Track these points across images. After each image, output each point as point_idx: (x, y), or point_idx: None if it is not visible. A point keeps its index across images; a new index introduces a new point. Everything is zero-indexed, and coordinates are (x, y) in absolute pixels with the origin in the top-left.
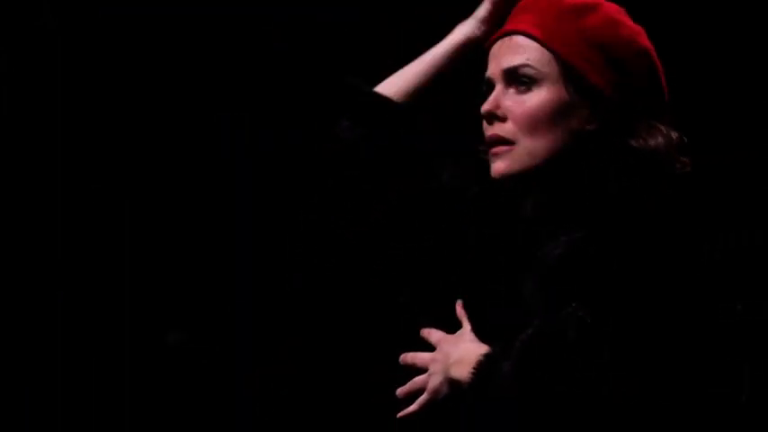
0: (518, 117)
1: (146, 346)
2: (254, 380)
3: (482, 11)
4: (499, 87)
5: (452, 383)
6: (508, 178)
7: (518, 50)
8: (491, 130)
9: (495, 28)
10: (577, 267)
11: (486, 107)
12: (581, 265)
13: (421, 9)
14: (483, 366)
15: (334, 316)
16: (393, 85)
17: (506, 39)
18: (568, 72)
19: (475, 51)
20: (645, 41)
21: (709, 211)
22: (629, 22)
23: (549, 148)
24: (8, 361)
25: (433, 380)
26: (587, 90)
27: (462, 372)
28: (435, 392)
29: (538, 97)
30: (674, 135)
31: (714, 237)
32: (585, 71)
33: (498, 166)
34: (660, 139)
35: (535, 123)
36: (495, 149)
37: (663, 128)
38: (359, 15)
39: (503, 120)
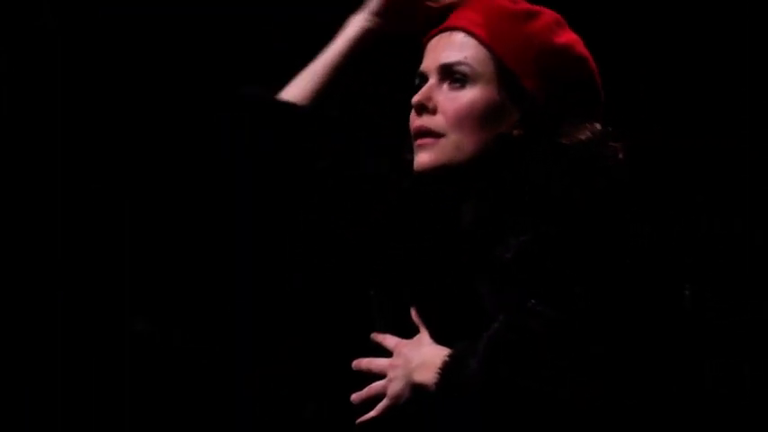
0: (449, 112)
1: (145, 346)
2: (254, 380)
3: (375, 3)
4: (432, 81)
5: (416, 388)
6: (431, 171)
7: (457, 47)
8: (419, 121)
9: (389, 21)
10: (531, 267)
11: (417, 98)
12: (534, 264)
13: None
14: (449, 366)
15: (334, 316)
16: (296, 88)
17: (446, 34)
18: (504, 74)
19: (373, 44)
20: (582, 50)
21: (646, 197)
22: (568, 31)
23: (475, 147)
24: (8, 361)
25: (393, 385)
26: (520, 94)
27: (427, 375)
28: (396, 398)
29: (471, 95)
30: (599, 127)
31: (654, 221)
32: (521, 75)
33: (422, 158)
34: (588, 134)
35: (465, 120)
36: (421, 141)
37: (590, 124)
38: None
39: (432, 112)
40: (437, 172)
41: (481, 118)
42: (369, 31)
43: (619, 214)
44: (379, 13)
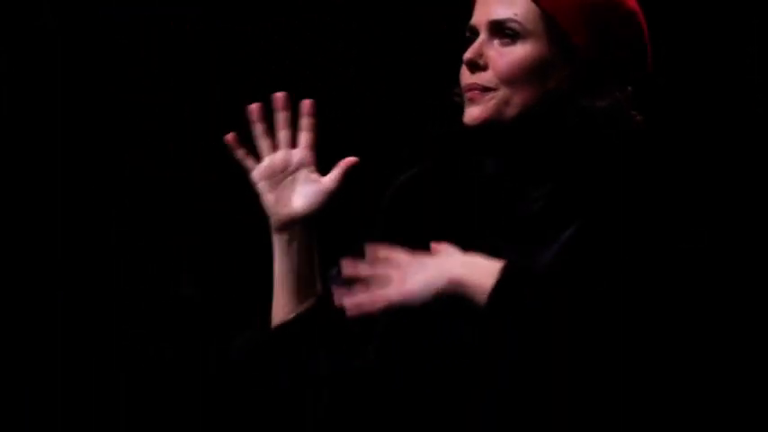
0: (500, 68)
1: (145, 346)
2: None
3: (276, 222)
4: (483, 37)
5: (457, 285)
6: (481, 124)
7: (507, 3)
8: (471, 78)
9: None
10: (561, 216)
11: (468, 55)
12: (564, 213)
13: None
14: (513, 269)
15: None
16: (279, 308)
17: None
18: (553, 31)
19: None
20: (633, 5)
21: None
22: None
23: (524, 102)
24: (8, 361)
25: (411, 281)
26: (570, 51)
27: (481, 272)
28: (408, 296)
29: (522, 51)
30: (629, 90)
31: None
32: (570, 32)
33: (473, 111)
34: (616, 97)
35: (516, 76)
36: (471, 94)
37: (622, 90)
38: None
39: (483, 68)
40: (486, 125)
41: (531, 74)
42: (292, 240)
43: (642, 176)
44: (285, 225)
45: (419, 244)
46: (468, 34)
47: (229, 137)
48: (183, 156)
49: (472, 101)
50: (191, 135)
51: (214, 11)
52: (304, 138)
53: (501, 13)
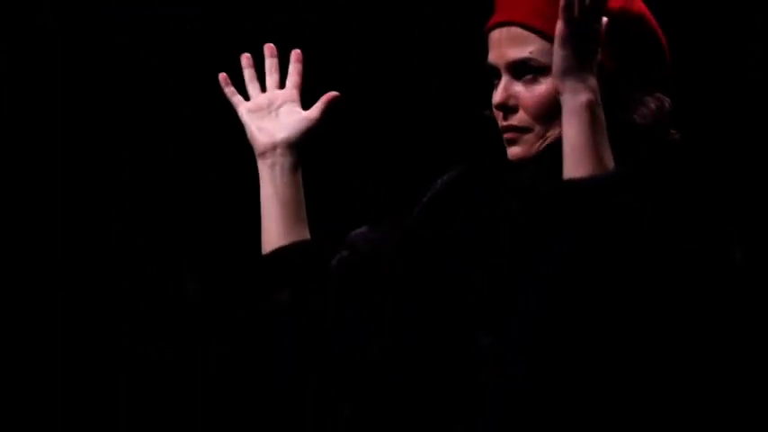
0: (529, 107)
1: (145, 346)
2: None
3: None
4: (506, 78)
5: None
6: (523, 160)
7: (520, 42)
8: (505, 120)
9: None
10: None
11: (498, 99)
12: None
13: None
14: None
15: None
16: (271, 234)
17: (505, 29)
18: None
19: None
20: (639, 8)
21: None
22: None
23: (559, 132)
24: (8, 361)
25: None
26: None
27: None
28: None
29: (545, 87)
30: (666, 104)
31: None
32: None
33: (515, 151)
34: (653, 109)
35: (545, 112)
36: (509, 135)
37: (656, 99)
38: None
39: (515, 110)
40: (530, 162)
41: (560, 106)
42: (274, 164)
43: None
44: (266, 148)
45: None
46: (487, 71)
47: (222, 76)
48: (183, 156)
49: (512, 141)
50: (190, 135)
51: (214, 11)
52: (290, 80)
53: (517, 54)
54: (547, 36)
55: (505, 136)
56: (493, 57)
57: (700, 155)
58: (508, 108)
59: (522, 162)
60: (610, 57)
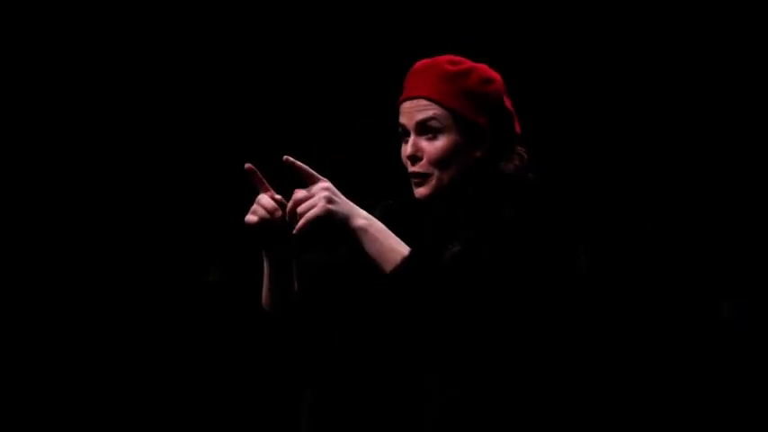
0: (431, 157)
1: (145, 346)
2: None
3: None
4: (413, 135)
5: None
6: (427, 199)
7: (424, 109)
8: (413, 167)
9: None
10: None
11: (408, 152)
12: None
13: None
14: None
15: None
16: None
17: (414, 101)
18: (459, 120)
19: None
20: (502, 87)
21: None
22: (493, 74)
23: (452, 176)
24: (8, 361)
25: (335, 205)
26: (474, 130)
27: (359, 222)
28: (330, 213)
29: (443, 142)
30: (524, 153)
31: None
32: (470, 117)
33: (420, 191)
34: (518, 161)
35: (443, 160)
36: (416, 179)
37: (519, 150)
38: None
39: (420, 159)
40: (431, 198)
41: (453, 155)
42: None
43: (536, 215)
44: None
45: None
46: (400, 130)
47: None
48: (184, 155)
49: (417, 183)
50: (191, 135)
51: (214, 11)
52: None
53: (423, 116)
54: (444, 106)
55: (413, 180)
56: (404, 119)
57: (550, 192)
58: (415, 158)
59: (425, 199)
60: (489, 121)
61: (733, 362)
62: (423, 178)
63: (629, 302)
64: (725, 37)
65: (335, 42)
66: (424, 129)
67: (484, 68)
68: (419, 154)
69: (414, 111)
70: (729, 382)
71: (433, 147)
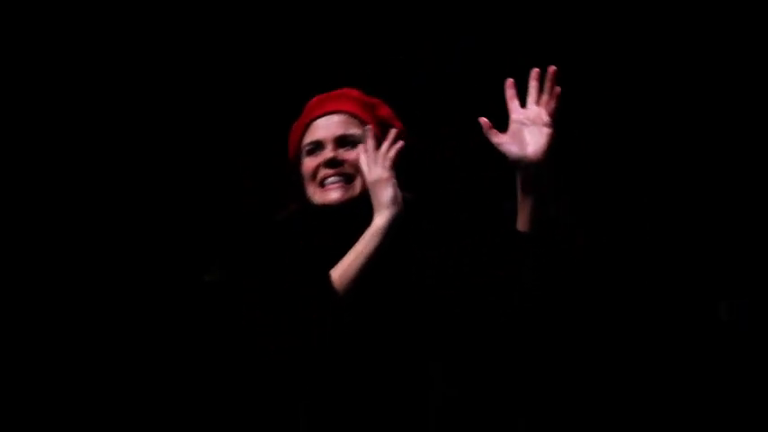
0: (354, 163)
1: (145, 346)
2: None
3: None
4: (331, 146)
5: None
6: (341, 203)
7: (345, 124)
8: (335, 170)
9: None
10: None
11: (329, 156)
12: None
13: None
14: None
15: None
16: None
17: (333, 116)
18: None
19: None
20: (391, 113)
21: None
22: (387, 108)
23: (362, 185)
24: (8, 361)
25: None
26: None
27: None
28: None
29: (356, 153)
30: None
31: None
32: (379, 135)
33: (337, 195)
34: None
35: (357, 170)
36: (337, 183)
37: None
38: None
39: (341, 164)
40: (347, 203)
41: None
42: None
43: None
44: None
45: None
46: (310, 147)
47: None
48: (183, 156)
49: (338, 187)
50: (190, 135)
51: (214, 11)
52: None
53: (345, 130)
54: (361, 121)
55: (333, 184)
56: (320, 134)
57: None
58: (336, 162)
59: (339, 204)
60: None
61: (733, 362)
62: (347, 179)
63: (628, 302)
64: (725, 37)
65: (335, 42)
66: (344, 140)
67: (387, 107)
68: (340, 158)
69: (334, 125)
70: (729, 382)
71: (353, 155)
